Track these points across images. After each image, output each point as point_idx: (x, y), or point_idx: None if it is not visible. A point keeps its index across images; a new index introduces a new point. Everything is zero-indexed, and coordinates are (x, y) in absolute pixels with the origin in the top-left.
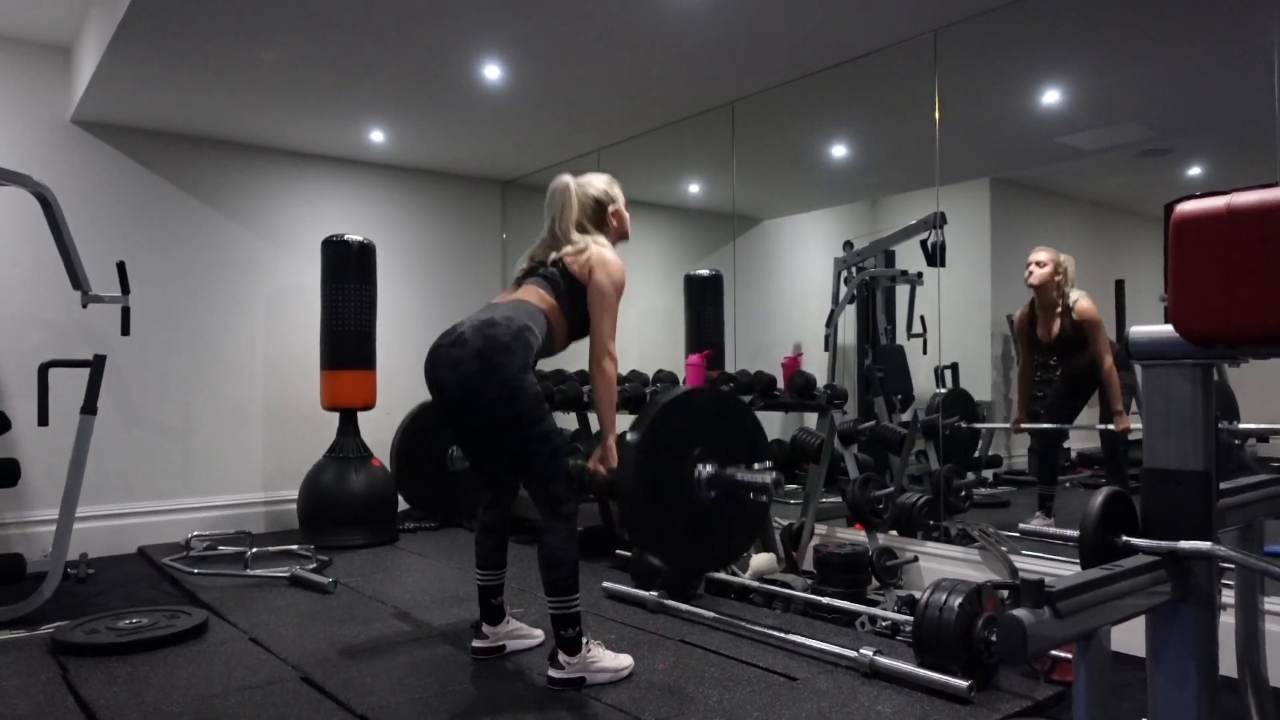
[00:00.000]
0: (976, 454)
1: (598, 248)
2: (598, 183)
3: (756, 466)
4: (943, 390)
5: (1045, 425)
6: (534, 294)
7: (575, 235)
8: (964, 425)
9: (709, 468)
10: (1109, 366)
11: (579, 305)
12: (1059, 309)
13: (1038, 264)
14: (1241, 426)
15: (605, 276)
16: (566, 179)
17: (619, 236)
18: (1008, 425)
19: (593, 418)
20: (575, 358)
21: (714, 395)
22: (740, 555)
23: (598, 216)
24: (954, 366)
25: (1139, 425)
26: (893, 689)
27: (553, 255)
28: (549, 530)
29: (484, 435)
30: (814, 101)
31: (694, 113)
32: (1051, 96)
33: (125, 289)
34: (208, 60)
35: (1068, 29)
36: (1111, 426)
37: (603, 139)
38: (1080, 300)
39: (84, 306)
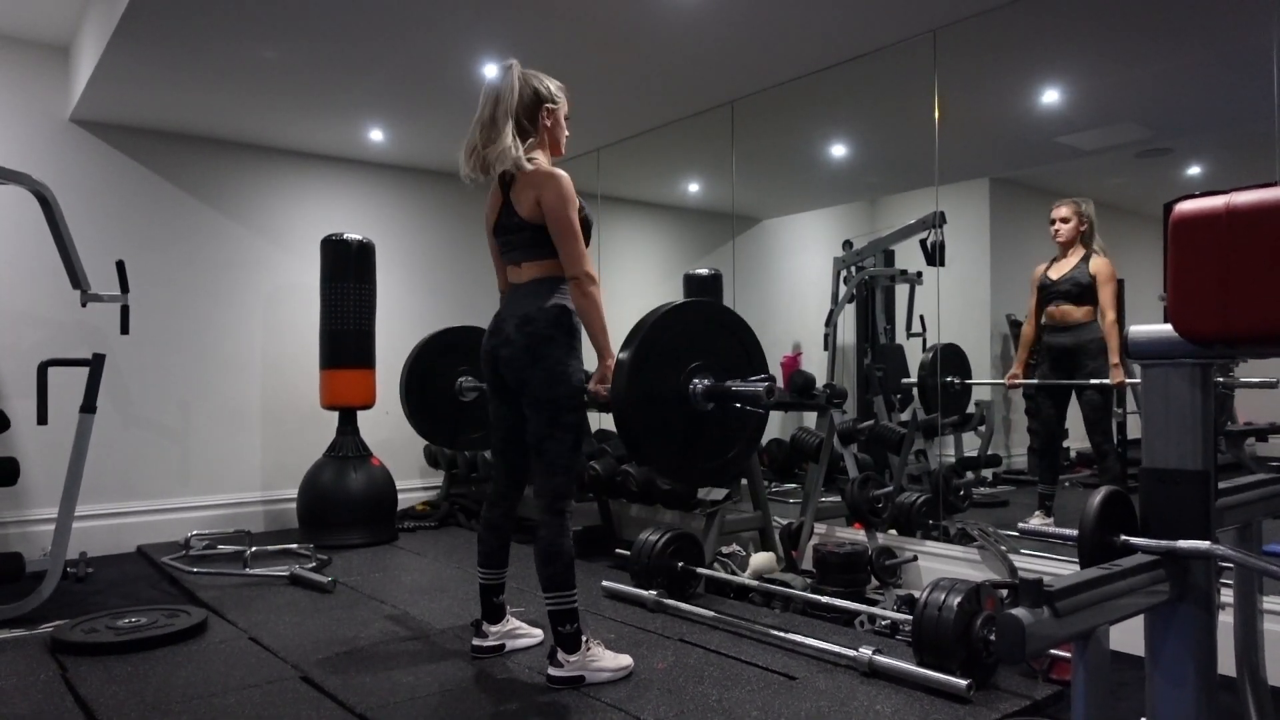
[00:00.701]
0: (975, 453)
1: (533, 175)
2: (545, 79)
3: (751, 379)
4: (936, 345)
5: (1036, 381)
6: (536, 268)
7: (510, 131)
8: (957, 383)
9: (704, 381)
10: (1111, 320)
11: (549, 236)
12: (1080, 254)
13: (1062, 220)
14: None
15: (554, 195)
16: (513, 62)
17: (552, 144)
18: (1003, 381)
19: (593, 415)
20: (583, 359)
21: (709, 308)
22: (740, 468)
23: (532, 112)
24: None
25: (1136, 380)
26: (892, 688)
27: (491, 154)
28: (544, 525)
29: (523, 415)
30: (813, 101)
31: (693, 112)
32: (1051, 96)
33: (124, 288)
34: (207, 59)
35: (1067, 29)
36: (1108, 381)
37: (602, 138)
38: (1099, 257)
39: (83, 305)
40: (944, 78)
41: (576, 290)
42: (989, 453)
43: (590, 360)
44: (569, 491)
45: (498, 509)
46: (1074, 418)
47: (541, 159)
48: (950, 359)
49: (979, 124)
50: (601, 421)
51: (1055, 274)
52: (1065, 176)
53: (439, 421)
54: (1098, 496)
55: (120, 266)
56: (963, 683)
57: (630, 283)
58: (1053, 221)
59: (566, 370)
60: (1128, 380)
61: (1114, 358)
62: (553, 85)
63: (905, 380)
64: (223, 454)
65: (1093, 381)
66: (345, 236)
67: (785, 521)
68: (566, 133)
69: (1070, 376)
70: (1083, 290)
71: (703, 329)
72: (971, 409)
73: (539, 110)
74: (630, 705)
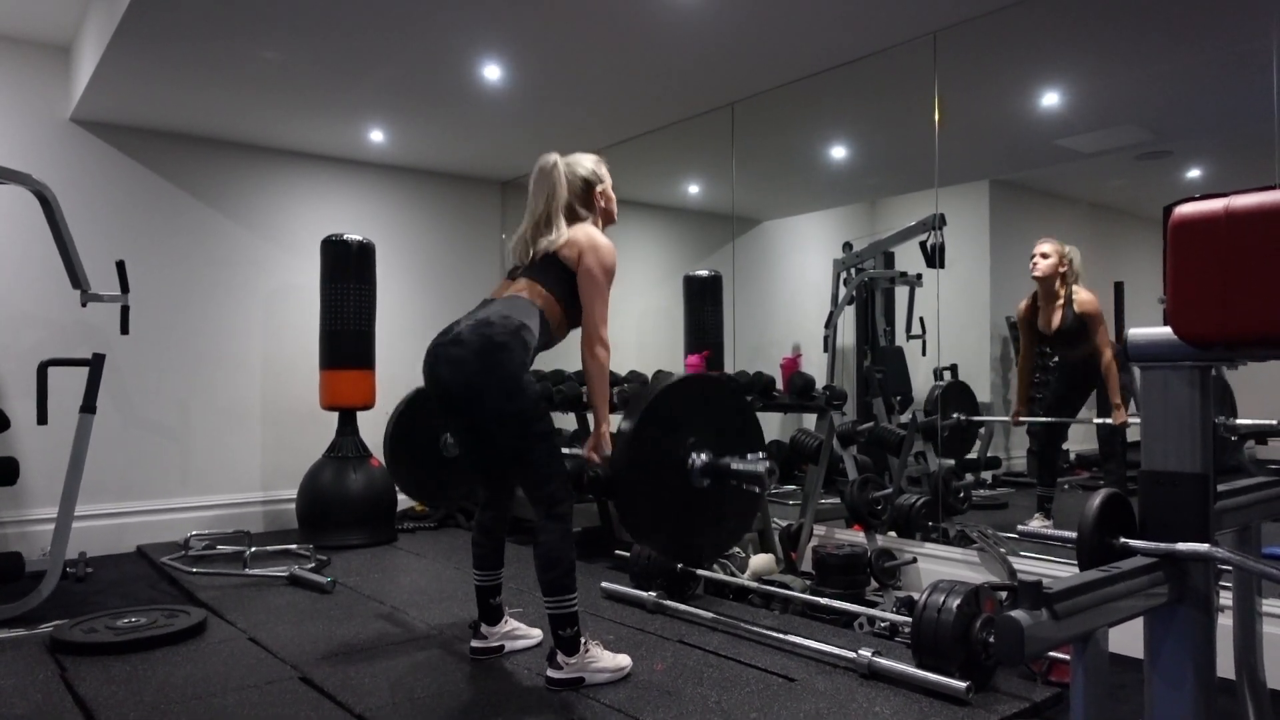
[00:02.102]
0: (975, 455)
1: (587, 233)
2: (586, 162)
3: (750, 456)
4: (942, 383)
5: (1043, 419)
6: (528, 288)
7: (563, 220)
8: (963, 420)
9: (703, 456)
10: (1108, 360)
11: (572, 292)
12: (1061, 301)
13: (1042, 255)
14: (1240, 423)
15: (596, 261)
16: (554, 157)
17: (606, 219)
18: (1007, 419)
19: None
20: (575, 358)
21: (709, 382)
22: (734, 544)
23: (585, 197)
24: (953, 368)
25: (1137, 421)
26: (891, 690)
27: (542, 244)
28: (544, 530)
29: (484, 432)
30: (814, 103)
31: (694, 114)
32: (1051, 99)
33: (124, 288)
34: (207, 59)
35: (1067, 31)
36: (1109, 420)
37: (602, 139)
38: (1082, 293)
39: (83, 305)
40: (944, 80)
41: (588, 350)
42: (988, 455)
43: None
44: (564, 495)
45: (489, 512)
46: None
47: (593, 226)
48: (957, 395)
49: (979, 126)
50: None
51: (1047, 326)
52: (1065, 179)
53: (424, 480)
54: (1097, 499)
55: (120, 266)
56: (962, 685)
57: (630, 284)
58: (1033, 255)
59: (521, 382)
60: (1130, 420)
61: (1114, 397)
62: (591, 163)
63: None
64: (222, 454)
65: (1096, 421)
66: (345, 237)
67: (785, 523)
68: (615, 202)
69: (1085, 384)
70: (1077, 334)
71: (702, 402)
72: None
73: (592, 194)
74: (629, 706)
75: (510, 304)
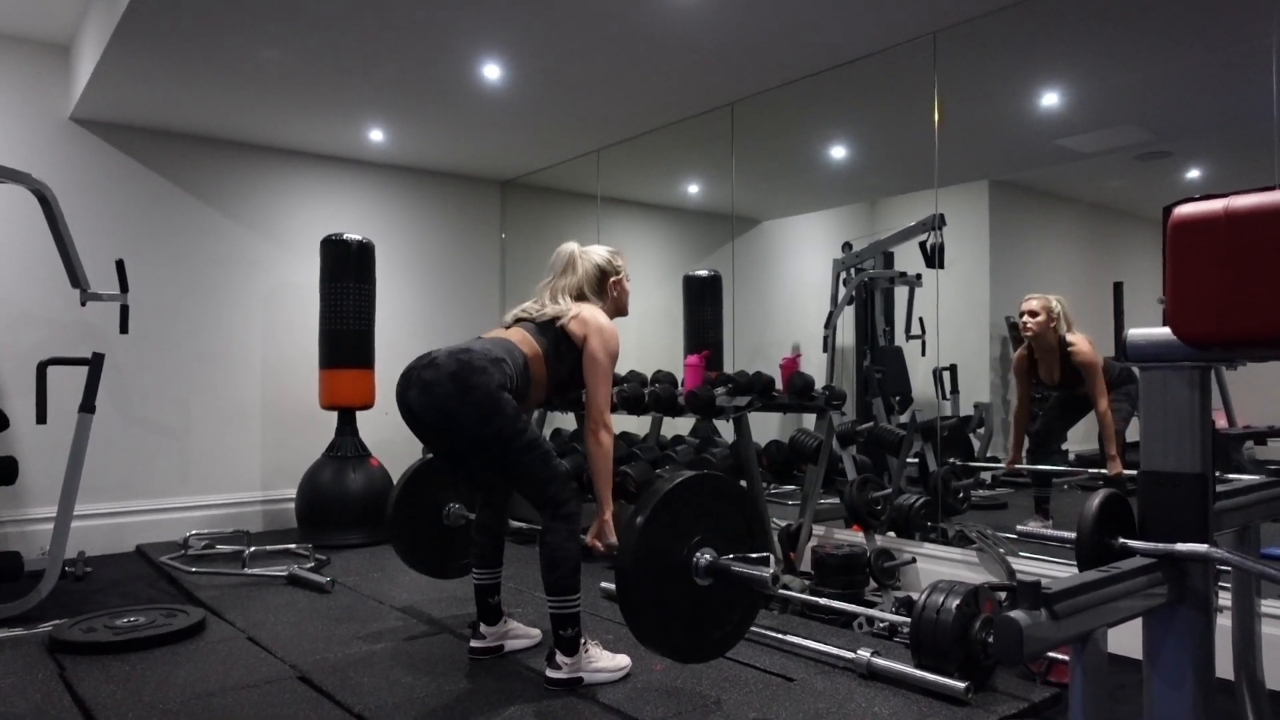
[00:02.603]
0: (974, 455)
1: (594, 315)
2: (602, 251)
3: (754, 556)
4: (947, 423)
5: (1039, 467)
6: (519, 336)
7: (571, 300)
8: (959, 464)
9: (707, 555)
10: (1104, 409)
11: (564, 360)
12: (1058, 353)
13: (1030, 314)
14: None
15: (600, 344)
16: (572, 246)
17: (617, 309)
18: (1002, 466)
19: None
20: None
21: (717, 482)
22: (733, 643)
23: (599, 285)
24: (952, 368)
25: (1132, 473)
26: (890, 690)
27: (550, 311)
28: (550, 530)
29: (467, 454)
30: (813, 103)
31: (693, 113)
32: (1050, 99)
33: (124, 287)
34: (207, 59)
35: (1067, 31)
36: (1105, 472)
37: (602, 139)
38: (1079, 344)
39: (83, 304)
40: (944, 80)
41: (592, 436)
42: (988, 455)
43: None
44: (567, 495)
45: (486, 511)
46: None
47: (601, 312)
48: (954, 443)
49: (979, 126)
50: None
51: (1047, 378)
52: (1065, 179)
53: (426, 552)
54: (1096, 499)
55: (120, 266)
56: (961, 685)
57: (630, 284)
58: (1021, 314)
59: (498, 400)
60: (1124, 471)
61: (1110, 448)
62: (607, 253)
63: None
64: (222, 454)
65: (1090, 471)
66: (345, 236)
67: (784, 523)
68: (629, 289)
69: (1080, 409)
70: (1078, 378)
71: (708, 499)
72: (971, 410)
73: (606, 283)
74: (628, 706)
75: (495, 342)
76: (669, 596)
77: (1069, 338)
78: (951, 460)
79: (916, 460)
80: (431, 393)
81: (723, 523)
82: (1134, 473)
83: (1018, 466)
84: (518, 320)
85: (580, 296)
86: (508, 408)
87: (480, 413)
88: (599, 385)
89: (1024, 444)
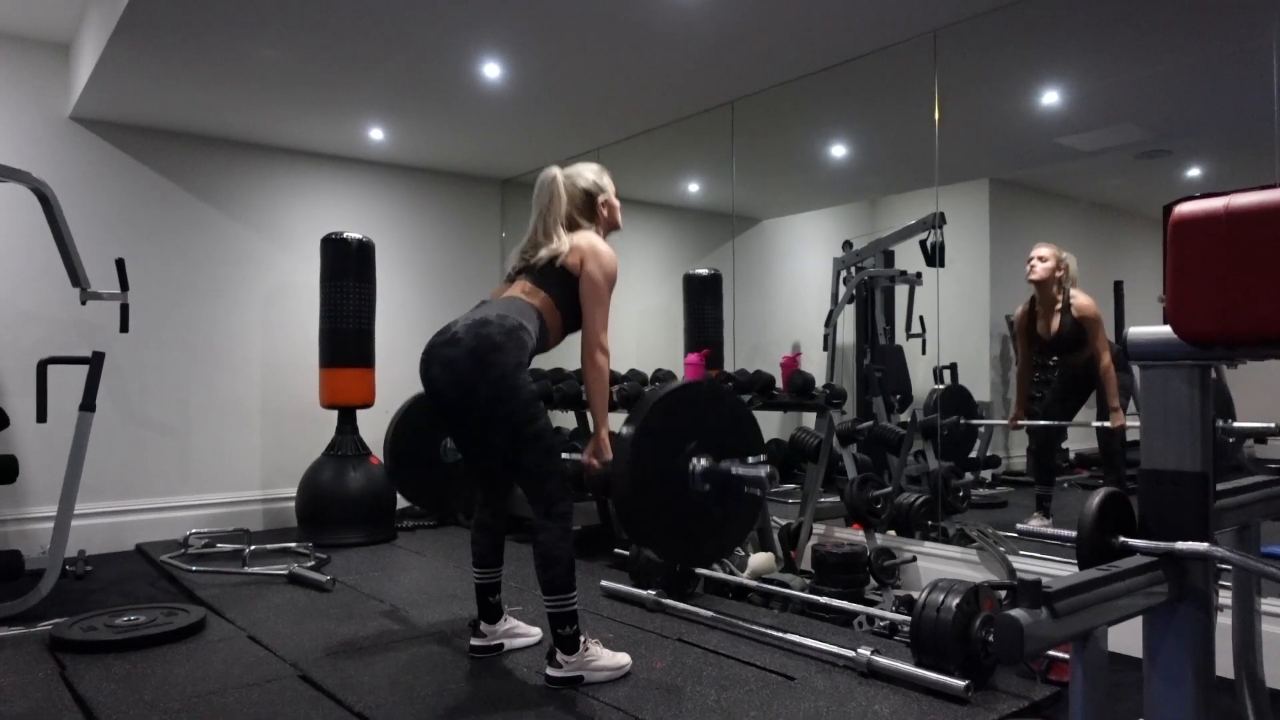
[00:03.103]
0: (974, 454)
1: (589, 240)
2: (586, 174)
3: (750, 460)
4: (940, 387)
5: (1042, 422)
6: (527, 290)
7: (563, 231)
8: (963, 423)
9: (703, 461)
10: (1106, 364)
11: (571, 297)
12: (1059, 306)
13: (1040, 259)
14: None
15: (597, 268)
16: (554, 171)
17: (610, 227)
18: (1005, 422)
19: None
20: (574, 358)
21: (709, 389)
22: (735, 549)
23: (588, 208)
24: (953, 367)
25: (1135, 424)
26: (890, 689)
27: (543, 253)
28: (543, 529)
29: (479, 433)
30: (813, 101)
31: (693, 112)
32: (1050, 97)
33: (124, 286)
34: (207, 57)
35: (1067, 30)
36: (1108, 424)
37: (602, 137)
38: (1080, 297)
39: (83, 303)
40: (944, 78)
41: (589, 357)
42: (988, 454)
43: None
44: (562, 494)
45: (487, 510)
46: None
47: (595, 234)
48: (956, 400)
49: (979, 125)
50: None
51: (1045, 331)
52: (1065, 177)
53: (423, 486)
54: (1096, 497)
55: (120, 264)
56: (961, 683)
57: (629, 283)
58: (1030, 258)
59: (516, 383)
60: (1128, 424)
61: (1112, 401)
62: (593, 174)
63: (912, 420)
64: (222, 452)
65: (1095, 424)
66: (345, 235)
67: (784, 522)
68: (619, 209)
69: (1085, 387)
70: (1075, 339)
71: (701, 408)
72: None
73: (594, 205)
74: (628, 705)
75: (508, 305)
76: (668, 504)
77: (1072, 291)
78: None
79: (916, 455)
80: (454, 368)
81: (715, 429)
82: (1136, 423)
83: (1021, 423)
84: (521, 271)
85: (571, 223)
86: (524, 390)
87: (497, 391)
88: (595, 308)
89: (1026, 402)
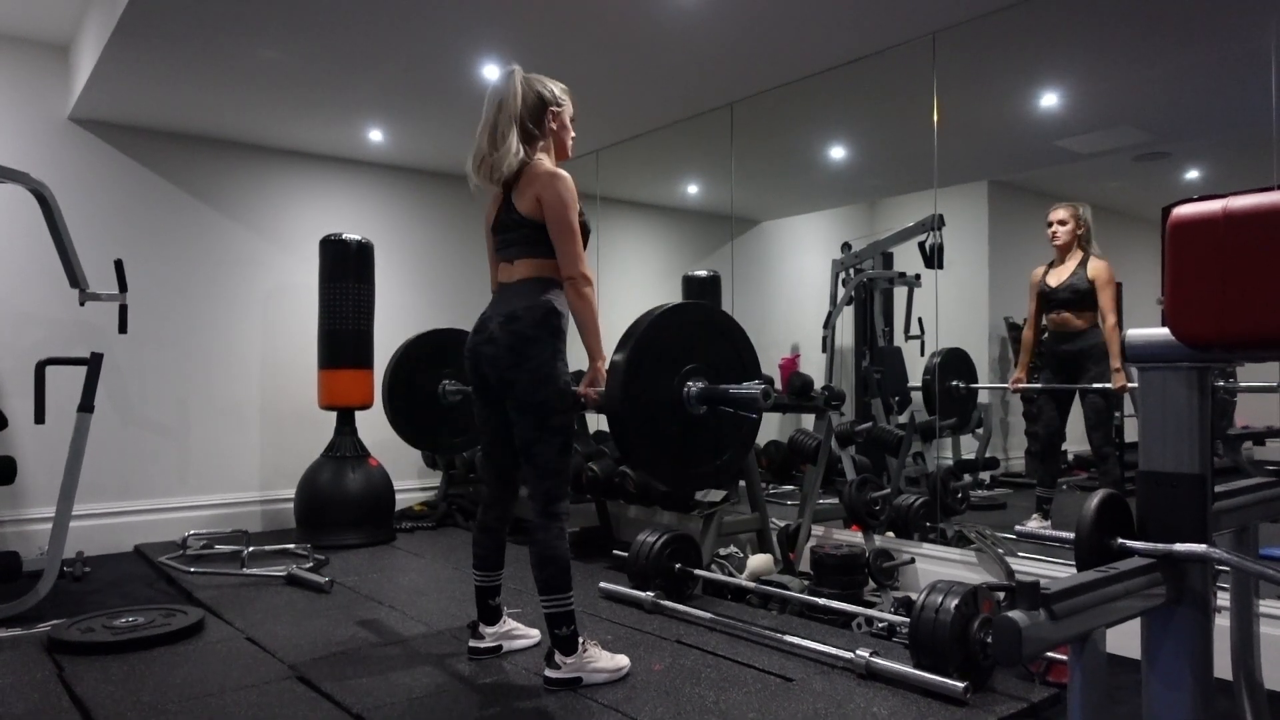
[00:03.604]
0: (973, 456)
1: (542, 170)
2: (548, 83)
3: (745, 384)
4: (940, 350)
5: (1040, 385)
6: (529, 267)
7: (515, 133)
8: (962, 387)
9: (698, 384)
10: (1112, 324)
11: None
12: (1077, 260)
13: (1060, 223)
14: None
15: (556, 198)
16: (515, 67)
17: (559, 147)
18: (1006, 384)
19: (592, 416)
20: (575, 359)
21: (703, 311)
22: (733, 473)
23: (538, 116)
24: None
25: (1135, 384)
26: (889, 690)
27: (499, 162)
28: (540, 528)
29: (509, 417)
30: (813, 103)
31: (693, 114)
32: (1049, 100)
33: (123, 287)
34: (206, 59)
35: (1066, 32)
36: (1109, 385)
37: (601, 139)
38: (1097, 260)
39: (81, 304)
40: (943, 80)
41: (571, 290)
42: (987, 455)
43: (579, 360)
44: (562, 494)
45: (492, 512)
46: (1073, 421)
47: (546, 160)
48: (956, 363)
49: (978, 127)
50: (599, 423)
51: (1054, 280)
52: (1064, 180)
53: (421, 426)
54: (1095, 499)
55: (118, 265)
56: (959, 685)
57: (629, 284)
58: (1050, 224)
59: (552, 372)
60: (1129, 385)
61: (1115, 362)
62: (556, 88)
63: (911, 386)
64: (220, 453)
65: (1095, 386)
66: (344, 236)
67: (783, 523)
68: (573, 134)
69: (1073, 380)
70: (1082, 296)
71: (696, 332)
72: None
73: (544, 114)
74: (627, 706)
75: (526, 292)
76: (663, 427)
77: (1092, 252)
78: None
79: (915, 456)
80: (496, 365)
81: (712, 352)
82: (1135, 386)
83: (1021, 386)
84: (508, 245)
85: (522, 130)
86: (560, 380)
87: (535, 379)
88: (566, 239)
89: (1030, 365)
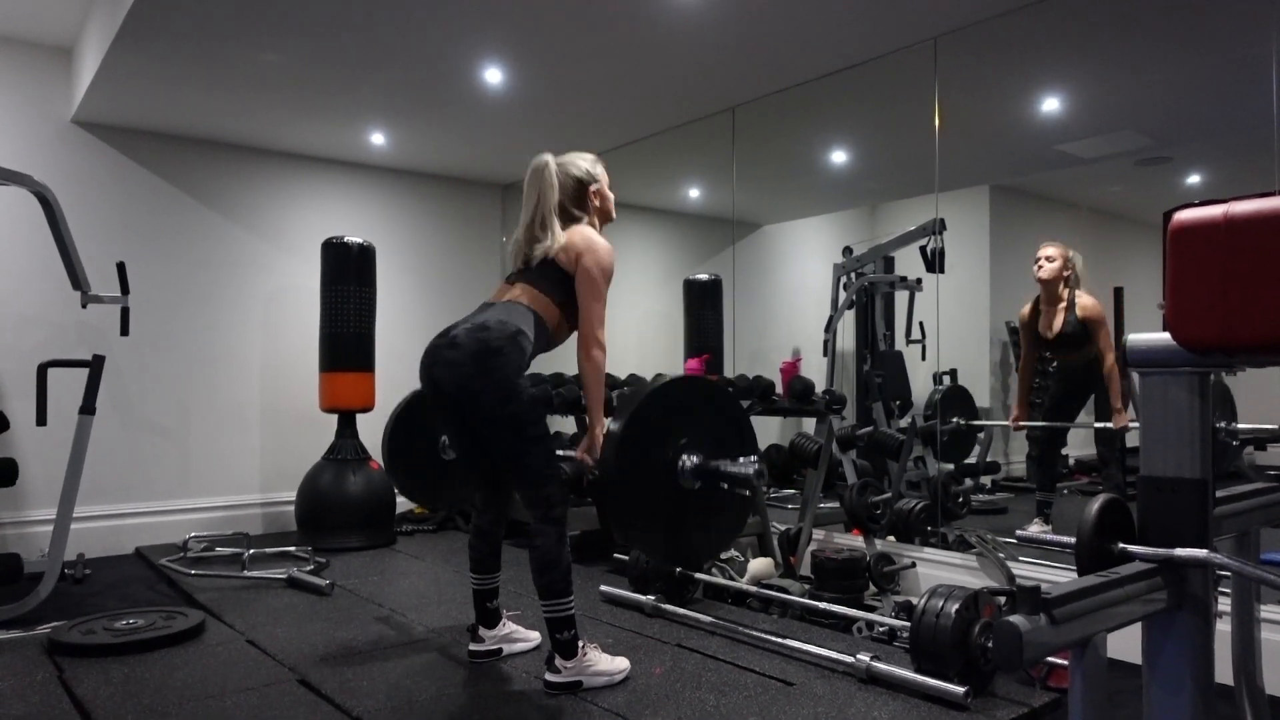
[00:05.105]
0: (974, 460)
1: (584, 234)
2: (580, 162)
3: (742, 460)
4: (941, 388)
5: (1042, 423)
6: (526, 293)
7: (557, 222)
8: (963, 424)
9: (693, 458)
10: (1110, 364)
11: (570, 294)
12: (1064, 304)
13: (1047, 259)
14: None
15: (594, 263)
16: (546, 158)
17: (603, 218)
18: (1007, 422)
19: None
20: (573, 363)
21: (701, 385)
22: (725, 548)
23: (579, 197)
24: (952, 373)
25: (1136, 426)
26: (889, 695)
27: (539, 249)
28: (540, 533)
29: (480, 435)
30: (814, 107)
31: (694, 118)
32: (1051, 104)
33: (125, 289)
34: (209, 62)
35: (1067, 37)
36: (1109, 425)
37: (603, 143)
38: (1085, 297)
39: (83, 307)
40: (944, 85)
41: (584, 352)
42: (987, 460)
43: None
44: (560, 498)
45: (486, 515)
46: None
47: (591, 229)
48: (957, 400)
49: (979, 131)
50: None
51: (1047, 329)
52: (1065, 184)
53: (419, 480)
54: (1096, 504)
55: (121, 268)
56: (960, 690)
57: (630, 288)
58: (1037, 259)
59: (516, 386)
60: (1130, 425)
61: (1115, 401)
62: (587, 164)
63: (912, 426)
64: (222, 456)
65: (1096, 425)
66: (346, 239)
67: (784, 527)
68: (613, 199)
69: (1083, 390)
70: (1079, 338)
71: (694, 404)
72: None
73: (585, 195)
74: (627, 710)
75: (508, 309)
76: (656, 500)
77: (1078, 291)
78: (950, 466)
79: (915, 460)
80: (456, 371)
81: (709, 427)
82: (1137, 426)
83: (1022, 424)
84: (520, 272)
85: (564, 213)
86: (524, 394)
87: (499, 393)
88: (592, 304)
89: (1027, 403)
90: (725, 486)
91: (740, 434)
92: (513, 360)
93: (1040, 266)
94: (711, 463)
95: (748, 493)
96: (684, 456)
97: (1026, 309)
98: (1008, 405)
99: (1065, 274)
